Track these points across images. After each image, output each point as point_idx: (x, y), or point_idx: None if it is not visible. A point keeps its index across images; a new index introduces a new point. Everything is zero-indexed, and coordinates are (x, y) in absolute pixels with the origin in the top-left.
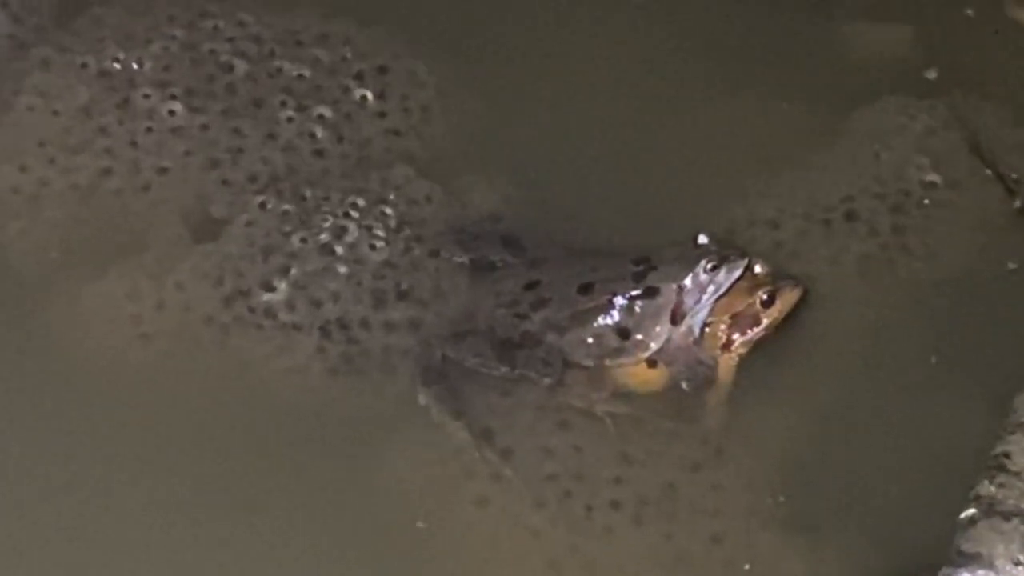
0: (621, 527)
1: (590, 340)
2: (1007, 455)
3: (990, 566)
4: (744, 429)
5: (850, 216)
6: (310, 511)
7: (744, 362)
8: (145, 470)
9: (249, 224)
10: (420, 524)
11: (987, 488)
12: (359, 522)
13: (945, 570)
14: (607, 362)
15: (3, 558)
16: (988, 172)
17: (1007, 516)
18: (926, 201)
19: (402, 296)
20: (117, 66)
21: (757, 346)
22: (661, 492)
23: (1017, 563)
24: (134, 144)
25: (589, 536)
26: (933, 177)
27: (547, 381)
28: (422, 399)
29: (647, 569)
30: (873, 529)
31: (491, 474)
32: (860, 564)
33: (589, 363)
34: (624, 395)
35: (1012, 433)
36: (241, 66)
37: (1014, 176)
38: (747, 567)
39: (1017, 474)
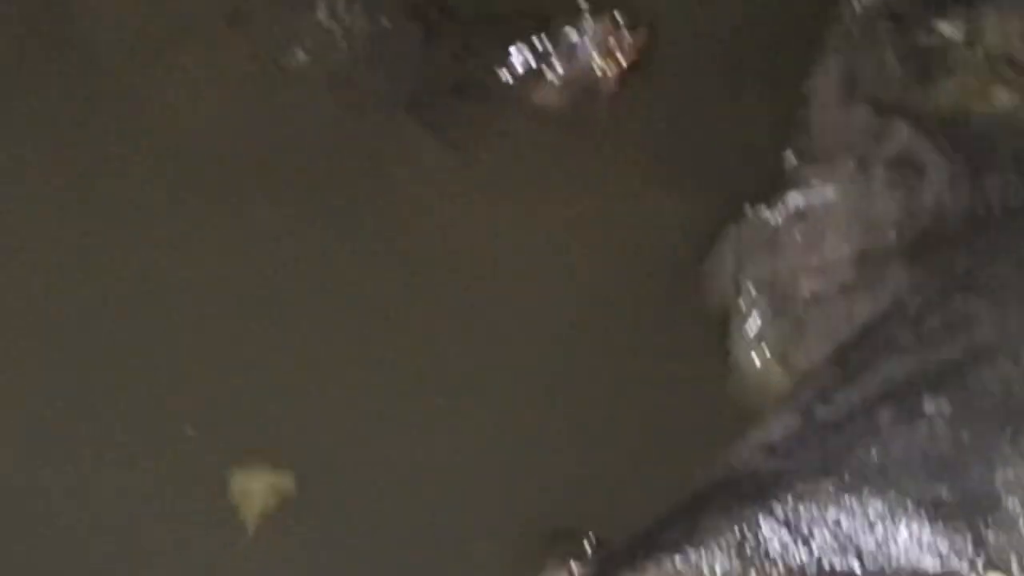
0: (558, 204)
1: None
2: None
3: (809, 187)
4: (628, 123)
5: None
6: (337, 214)
7: (623, 81)
8: (197, 189)
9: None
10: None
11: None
12: (379, 223)
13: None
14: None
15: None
16: None
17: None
18: None
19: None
20: None
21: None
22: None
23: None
24: None
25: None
26: None
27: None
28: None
29: (579, 222)
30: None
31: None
32: (719, 205)
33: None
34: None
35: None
36: None
37: None
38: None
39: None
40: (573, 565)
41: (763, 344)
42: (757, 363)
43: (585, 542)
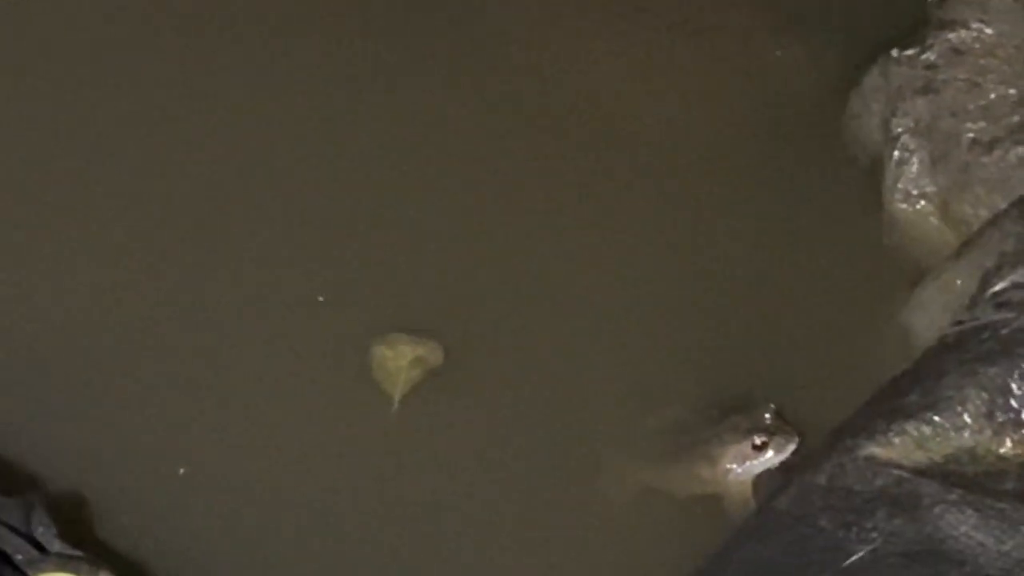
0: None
1: None
2: None
3: (964, 27)
4: None
5: None
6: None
7: None
8: None
9: None
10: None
11: None
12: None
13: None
14: None
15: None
16: None
17: None
18: None
19: None
20: None
21: None
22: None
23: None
24: None
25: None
26: None
27: None
28: None
29: (702, 68)
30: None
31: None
32: (851, 50)
33: None
34: None
35: None
36: None
37: None
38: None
39: None
40: (756, 438)
41: (921, 193)
42: (913, 214)
43: (765, 413)
